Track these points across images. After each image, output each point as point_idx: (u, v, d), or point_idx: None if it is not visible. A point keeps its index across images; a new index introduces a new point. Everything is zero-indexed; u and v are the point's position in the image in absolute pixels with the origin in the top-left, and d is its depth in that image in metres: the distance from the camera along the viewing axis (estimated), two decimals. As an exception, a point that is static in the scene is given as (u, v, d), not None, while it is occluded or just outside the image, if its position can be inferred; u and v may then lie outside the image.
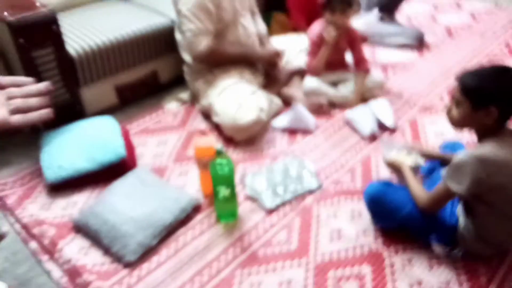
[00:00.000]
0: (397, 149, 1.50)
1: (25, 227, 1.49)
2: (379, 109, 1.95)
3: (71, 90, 1.88)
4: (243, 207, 1.54)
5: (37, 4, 1.74)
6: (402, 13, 3.01)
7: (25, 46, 1.68)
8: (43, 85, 0.67)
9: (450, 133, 1.84)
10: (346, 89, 2.08)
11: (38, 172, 1.69)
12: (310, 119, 1.93)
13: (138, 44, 2.04)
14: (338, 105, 2.06)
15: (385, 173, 1.67)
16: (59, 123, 1.81)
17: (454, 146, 1.54)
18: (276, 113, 2.01)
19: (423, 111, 2.04)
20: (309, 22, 2.55)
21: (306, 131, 1.91)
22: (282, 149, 1.82)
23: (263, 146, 1.84)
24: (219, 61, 1.96)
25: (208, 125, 1.97)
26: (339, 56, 2.13)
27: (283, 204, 1.54)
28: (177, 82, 2.23)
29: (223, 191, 1.41)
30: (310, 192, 1.59)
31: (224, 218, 1.48)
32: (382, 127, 1.91)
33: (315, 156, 1.77)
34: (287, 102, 2.07)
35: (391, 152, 1.50)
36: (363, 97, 2.06)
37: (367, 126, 1.86)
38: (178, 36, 2.04)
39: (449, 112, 1.24)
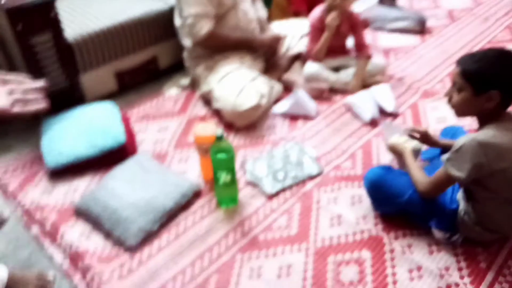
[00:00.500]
0: (399, 133, 1.50)
1: (26, 212, 1.50)
2: (381, 94, 1.93)
3: (70, 77, 1.87)
4: (244, 192, 1.54)
5: (35, -11, 1.72)
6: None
7: (23, 32, 1.67)
8: (39, 83, 0.81)
9: (451, 119, 1.83)
10: (347, 75, 2.06)
11: (39, 158, 1.69)
12: (311, 104, 1.92)
13: (138, 29, 2.02)
14: (339, 91, 2.05)
15: (385, 159, 1.66)
16: (59, 110, 1.81)
17: (455, 132, 1.52)
18: (277, 99, 1.99)
19: (424, 96, 2.03)
20: (310, 7, 2.52)
21: (307, 117, 1.90)
22: (282, 135, 1.81)
23: (263, 132, 1.83)
24: (220, 46, 1.94)
25: (208, 111, 1.96)
26: (340, 41, 2.10)
27: (284, 189, 1.54)
28: (177, 68, 2.21)
29: (224, 177, 1.41)
30: (311, 177, 1.59)
31: (224, 204, 1.49)
32: (383, 112, 1.90)
33: (316, 141, 1.77)
34: (288, 88, 2.06)
35: (393, 136, 1.49)
36: (365, 83, 2.04)
37: (368, 112, 1.85)
38: (177, 21, 2.01)
39: (450, 99, 1.23)
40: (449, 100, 1.23)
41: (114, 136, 1.65)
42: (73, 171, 1.62)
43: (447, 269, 1.26)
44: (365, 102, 1.89)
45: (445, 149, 1.44)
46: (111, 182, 1.51)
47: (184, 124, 1.91)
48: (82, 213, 1.46)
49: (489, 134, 1.14)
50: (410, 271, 1.26)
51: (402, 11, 2.67)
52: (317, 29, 2.03)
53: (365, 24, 2.42)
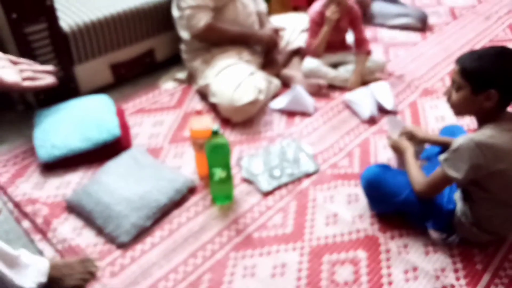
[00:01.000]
0: (402, 129, 1.48)
1: (17, 206, 1.47)
2: (380, 92, 1.91)
3: (65, 67, 1.84)
4: (239, 189, 1.52)
5: (29, -23, 1.68)
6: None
7: (17, 21, 1.63)
8: (49, 67, 0.87)
9: (451, 118, 1.81)
10: (346, 71, 2.03)
11: (31, 151, 1.66)
12: (309, 101, 1.89)
13: (134, 20, 1.99)
14: (337, 87, 2.02)
15: (383, 157, 1.65)
16: (53, 101, 1.78)
17: (454, 131, 1.51)
18: (275, 95, 1.97)
19: (424, 95, 2.01)
20: (309, 1, 2.49)
21: (304, 113, 1.88)
22: (279, 131, 1.79)
23: (260, 128, 1.81)
24: (218, 39, 1.91)
25: (205, 105, 1.94)
26: (340, 36, 2.08)
27: (280, 187, 1.52)
28: (174, 61, 2.18)
29: (219, 173, 1.39)
30: (307, 175, 1.57)
31: (219, 200, 1.47)
32: (382, 110, 1.88)
33: (313, 139, 1.75)
34: (286, 84, 2.03)
35: (397, 132, 1.48)
36: (364, 80, 2.02)
37: (367, 109, 1.82)
38: (175, 13, 1.98)
39: (449, 98, 1.21)
40: (448, 99, 1.22)
41: (108, 129, 1.62)
42: (66, 164, 1.59)
43: (443, 270, 1.25)
44: (364, 99, 1.86)
45: (440, 145, 1.44)
46: (104, 176, 1.48)
47: (180, 118, 1.88)
48: (74, 208, 1.43)
49: (487, 134, 1.12)
50: (406, 271, 1.25)
51: (404, 7, 2.64)
52: (317, 24, 2.00)
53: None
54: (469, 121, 1.78)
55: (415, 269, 1.25)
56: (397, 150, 1.45)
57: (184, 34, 1.96)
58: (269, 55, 2.07)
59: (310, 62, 2.01)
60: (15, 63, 0.85)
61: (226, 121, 1.82)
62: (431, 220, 1.29)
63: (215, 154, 1.37)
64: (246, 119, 1.81)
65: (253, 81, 1.80)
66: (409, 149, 1.37)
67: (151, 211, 1.38)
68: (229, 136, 1.77)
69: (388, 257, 1.29)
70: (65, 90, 1.86)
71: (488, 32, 2.54)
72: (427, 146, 1.51)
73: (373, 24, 2.60)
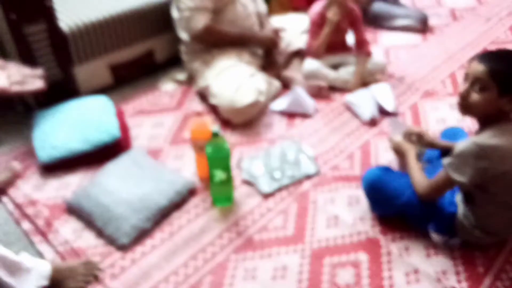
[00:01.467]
0: (408, 129, 1.47)
1: (17, 207, 1.46)
2: (380, 93, 1.91)
3: (64, 68, 1.84)
4: (240, 191, 1.52)
5: (29, -23, 1.68)
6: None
7: (17, 22, 1.63)
8: (38, 71, 0.92)
9: (451, 120, 1.81)
10: (347, 72, 2.03)
11: (31, 152, 1.65)
12: (309, 102, 1.89)
13: (134, 21, 1.99)
14: (338, 89, 2.02)
15: (384, 159, 1.64)
16: (52, 102, 1.78)
17: (456, 133, 1.50)
18: (275, 96, 1.97)
19: (425, 96, 2.00)
20: (309, 1, 2.48)
21: (305, 115, 1.87)
22: (280, 133, 1.79)
23: (260, 130, 1.81)
24: (217, 40, 1.91)
25: (205, 107, 1.93)
26: (340, 37, 2.07)
27: (280, 189, 1.52)
28: (174, 62, 2.17)
29: (219, 175, 1.38)
30: (308, 177, 1.56)
31: (219, 202, 1.46)
32: (383, 112, 1.87)
33: (314, 140, 1.74)
34: (286, 85, 2.03)
35: (398, 134, 1.47)
36: (364, 81, 2.02)
37: (368, 111, 1.82)
38: (175, 14, 1.98)
39: (466, 98, 1.14)
40: (464, 99, 1.15)
41: (108, 130, 1.62)
42: (65, 166, 1.59)
43: (444, 273, 1.24)
44: (364, 101, 1.86)
45: (444, 150, 1.43)
46: (104, 178, 1.48)
47: (180, 120, 1.87)
48: (74, 209, 1.43)
49: (490, 137, 1.12)
50: (407, 274, 1.24)
51: (405, 9, 2.64)
52: (317, 25, 2.00)
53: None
54: (470, 123, 1.77)
55: (416, 271, 1.25)
56: (399, 152, 1.44)
57: (184, 35, 1.96)
58: (270, 56, 2.07)
59: (310, 64, 2.01)
60: (2, 68, 0.84)
61: (226, 123, 1.82)
62: (432, 223, 1.29)
63: (215, 156, 1.36)
64: (246, 120, 1.81)
65: (253, 82, 1.80)
66: (410, 151, 1.36)
67: (151, 213, 1.38)
68: (229, 137, 1.76)
69: (389, 259, 1.28)
70: (64, 91, 1.86)
71: (489, 33, 2.53)
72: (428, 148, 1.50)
73: (373, 26, 2.59)
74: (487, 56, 1.14)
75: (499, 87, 1.10)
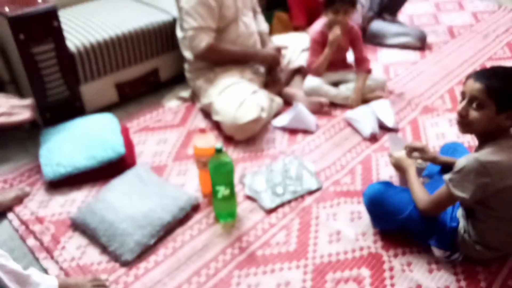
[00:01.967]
0: (404, 147, 1.49)
1: (23, 223, 1.48)
2: (380, 109, 1.94)
3: (71, 87, 1.87)
4: (242, 207, 1.53)
5: (38, 0, 1.73)
6: (404, 13, 2.99)
7: (25, 42, 1.67)
8: (26, 101, 0.89)
9: (451, 135, 1.83)
10: (347, 89, 2.06)
11: (37, 169, 1.68)
12: (311, 119, 1.92)
13: (139, 41, 2.03)
14: (339, 105, 2.05)
15: (385, 174, 1.66)
16: (59, 120, 1.81)
17: (455, 148, 1.52)
18: (277, 113, 2.00)
19: (424, 112, 2.03)
20: (310, 21, 2.54)
21: (306, 131, 1.90)
22: (282, 149, 1.81)
23: (263, 146, 1.83)
24: (220, 59, 1.95)
25: (208, 123, 1.96)
26: (340, 55, 2.12)
27: (283, 204, 1.53)
28: (178, 80, 2.22)
29: (222, 191, 1.40)
30: (310, 193, 1.58)
31: (223, 218, 1.48)
32: (383, 128, 1.90)
33: (316, 156, 1.76)
34: (288, 102, 2.06)
35: (398, 150, 1.49)
36: (365, 98, 2.05)
37: (368, 127, 1.85)
38: (179, 33, 2.03)
39: (465, 116, 1.16)
40: (463, 117, 1.17)
41: (113, 147, 1.64)
42: (71, 182, 1.61)
43: (447, 288, 1.25)
44: (365, 117, 1.89)
45: (444, 166, 1.44)
46: (108, 194, 1.49)
47: (183, 136, 1.90)
48: (78, 226, 1.44)
49: (491, 152, 1.13)
50: (410, 290, 1.24)
51: (403, 27, 2.69)
52: (318, 43, 2.05)
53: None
54: (469, 138, 1.79)
55: (419, 287, 1.25)
56: (399, 168, 1.46)
57: (188, 54, 2.00)
58: (272, 73, 2.11)
59: (311, 81, 2.04)
60: None
61: (229, 139, 1.84)
62: (434, 238, 1.29)
63: (218, 172, 1.38)
64: (249, 137, 1.83)
65: (255, 99, 1.83)
66: (411, 167, 1.37)
67: (154, 229, 1.39)
68: (232, 153, 1.79)
69: (392, 275, 1.28)
70: (71, 109, 1.89)
71: (486, 50, 2.58)
72: (429, 163, 1.52)
73: (373, 43, 2.64)
74: (483, 74, 1.15)
75: (496, 104, 1.12)
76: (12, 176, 1.68)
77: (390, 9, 2.76)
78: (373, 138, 1.85)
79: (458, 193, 1.15)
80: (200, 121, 1.99)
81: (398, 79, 2.30)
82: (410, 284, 1.26)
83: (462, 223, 1.27)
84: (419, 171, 1.44)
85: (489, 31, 2.80)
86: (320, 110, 2.01)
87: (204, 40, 1.85)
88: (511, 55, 2.53)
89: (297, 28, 2.54)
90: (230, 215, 1.48)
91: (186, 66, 2.08)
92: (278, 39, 2.27)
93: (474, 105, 1.15)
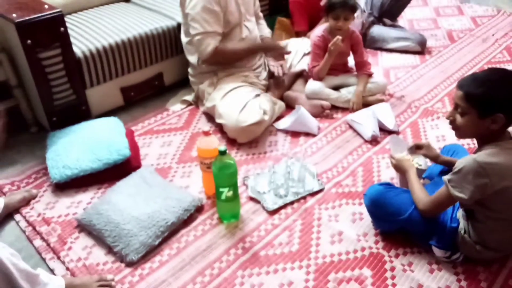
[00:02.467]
0: (405, 148, 1.51)
1: (30, 224, 1.50)
2: (381, 112, 1.96)
3: (77, 91, 1.90)
4: (246, 208, 1.55)
5: (45, 6, 1.77)
6: (404, 18, 3.03)
7: (32, 47, 1.70)
8: None
9: (451, 137, 1.85)
10: (349, 93, 2.09)
11: (44, 171, 1.71)
12: (312, 122, 1.94)
13: (144, 46, 2.07)
14: (340, 108, 2.08)
15: (386, 176, 1.68)
16: (65, 124, 1.84)
17: (455, 150, 1.54)
18: (279, 116, 2.02)
19: (424, 115, 2.05)
20: (311, 26, 2.58)
21: (308, 134, 1.93)
22: (284, 151, 1.84)
23: (265, 148, 1.85)
24: (228, 60, 1.98)
25: (211, 126, 1.99)
26: (341, 60, 2.14)
27: (285, 206, 1.55)
28: (182, 84, 2.25)
29: (226, 192, 1.42)
30: (312, 194, 1.60)
31: (226, 219, 1.50)
32: (384, 130, 1.92)
33: (317, 158, 1.79)
34: (290, 105, 2.09)
35: (399, 152, 1.51)
36: (365, 101, 2.08)
37: (369, 129, 1.87)
38: (184, 38, 2.06)
39: (453, 122, 1.22)
40: (452, 123, 1.23)
41: (118, 150, 1.67)
42: (77, 184, 1.64)
43: (447, 288, 1.26)
44: (366, 120, 1.91)
45: (446, 165, 1.45)
46: (114, 196, 1.52)
47: (187, 139, 1.93)
48: (84, 227, 1.47)
49: (489, 154, 1.15)
50: (411, 289, 1.26)
51: (403, 31, 2.72)
52: (319, 47, 2.08)
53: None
54: (469, 140, 1.81)
55: (420, 286, 1.26)
56: (400, 169, 1.48)
57: (192, 59, 2.04)
58: (274, 77, 2.14)
59: (313, 84, 2.07)
60: None
61: (232, 142, 1.87)
62: (435, 238, 1.31)
63: (222, 174, 1.40)
64: (251, 139, 1.86)
65: (258, 102, 1.86)
66: (411, 168, 1.39)
67: (159, 229, 1.41)
68: (235, 156, 1.81)
69: (393, 275, 1.30)
70: (77, 112, 1.92)
71: (485, 54, 2.61)
72: (429, 164, 1.54)
73: (373, 48, 2.68)
74: (464, 81, 1.19)
75: (477, 111, 1.15)
76: (19, 179, 1.71)
77: (390, 14, 2.80)
78: (374, 141, 1.87)
79: (457, 193, 1.16)
80: (203, 124, 2.02)
81: (398, 82, 2.33)
82: (411, 284, 1.27)
83: (462, 224, 1.28)
84: (420, 173, 1.46)
85: (488, 35, 2.83)
86: (321, 113, 2.04)
87: (211, 45, 1.88)
88: (510, 59, 2.55)
89: (298, 33, 2.57)
90: (233, 216, 1.50)
91: (190, 70, 2.11)
92: (281, 44, 2.29)
93: (459, 111, 1.19)
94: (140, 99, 2.18)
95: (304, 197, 1.59)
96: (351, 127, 1.97)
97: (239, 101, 1.85)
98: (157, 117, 2.08)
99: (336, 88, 2.12)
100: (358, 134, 1.92)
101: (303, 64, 2.20)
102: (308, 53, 2.20)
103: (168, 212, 1.45)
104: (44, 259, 1.39)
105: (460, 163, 1.16)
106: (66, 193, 1.63)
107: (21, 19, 1.65)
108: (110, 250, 1.39)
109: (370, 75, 2.12)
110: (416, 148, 1.48)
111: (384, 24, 2.76)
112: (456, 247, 1.30)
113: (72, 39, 1.85)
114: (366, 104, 2.06)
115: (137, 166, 1.73)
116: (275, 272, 1.32)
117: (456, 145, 1.61)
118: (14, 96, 1.93)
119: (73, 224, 1.50)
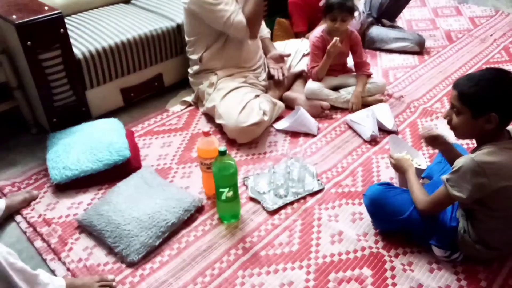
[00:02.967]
0: (405, 148, 1.51)
1: (31, 225, 1.51)
2: (380, 112, 1.97)
3: (77, 92, 1.91)
4: (246, 208, 1.56)
5: (45, 7, 1.77)
6: (403, 18, 3.04)
7: (32, 48, 1.70)
8: None
9: (450, 137, 1.85)
10: (348, 93, 2.10)
11: (44, 172, 1.71)
12: (312, 122, 1.95)
13: (144, 47, 2.07)
14: (339, 109, 2.09)
15: (385, 176, 1.68)
16: (65, 125, 1.84)
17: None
18: (279, 116, 2.03)
19: (423, 115, 2.06)
20: (310, 27, 2.59)
21: (308, 134, 1.93)
22: (284, 151, 1.84)
23: (265, 149, 1.86)
24: (260, 21, 1.97)
25: (211, 127, 2.00)
26: (341, 60, 2.15)
27: (285, 206, 1.56)
28: (182, 84, 2.26)
29: (226, 193, 1.43)
30: (312, 194, 1.61)
31: (226, 219, 1.50)
32: (383, 130, 1.93)
33: (317, 158, 1.79)
34: (289, 105, 2.10)
35: (398, 151, 1.51)
36: (365, 101, 2.08)
37: (368, 129, 1.88)
38: (187, 38, 2.05)
39: (450, 122, 1.24)
40: (449, 122, 1.24)
41: (118, 151, 1.67)
42: (77, 185, 1.64)
43: (447, 287, 1.26)
44: (365, 120, 1.92)
45: (453, 160, 1.44)
46: (114, 196, 1.52)
47: (187, 139, 1.94)
48: (85, 227, 1.47)
49: (487, 153, 1.16)
50: (411, 289, 1.27)
51: (402, 32, 2.73)
52: (318, 48, 2.08)
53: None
54: (468, 140, 1.82)
55: (420, 286, 1.27)
56: (399, 169, 1.48)
57: (193, 57, 2.04)
58: (273, 78, 2.14)
59: (312, 85, 2.08)
60: None
61: (232, 142, 1.88)
62: (435, 238, 1.31)
63: (222, 174, 1.41)
64: (251, 139, 1.86)
65: (258, 103, 1.87)
66: (411, 168, 1.40)
67: (160, 230, 1.42)
68: (235, 156, 1.82)
69: (393, 274, 1.31)
70: (77, 114, 1.92)
71: (484, 54, 2.62)
72: (428, 164, 1.54)
73: (372, 48, 2.69)
74: (459, 81, 1.20)
75: (471, 110, 1.16)
76: (19, 180, 1.72)
77: (389, 15, 2.81)
78: (373, 141, 1.88)
79: (456, 193, 1.17)
80: (203, 125, 2.02)
81: (397, 83, 2.34)
82: (411, 284, 1.28)
83: (462, 223, 1.29)
84: (419, 172, 1.46)
85: (487, 35, 2.84)
86: (321, 113, 2.04)
87: (243, 21, 1.86)
88: (508, 59, 2.56)
89: (298, 34, 2.58)
90: (233, 217, 1.50)
91: (189, 71, 2.12)
92: (280, 45, 2.31)
93: (454, 110, 1.21)
94: (140, 100, 2.18)
95: (304, 197, 1.59)
96: (350, 127, 1.97)
97: (239, 102, 1.85)
98: (157, 118, 2.08)
99: (335, 88, 2.13)
100: (358, 134, 1.93)
101: (302, 64, 2.21)
102: (307, 54, 2.21)
103: (168, 213, 1.46)
104: (45, 260, 1.39)
105: (458, 162, 1.17)
106: (66, 194, 1.63)
107: (21, 21, 1.66)
108: (110, 250, 1.40)
109: (369, 76, 2.12)
110: (424, 137, 1.44)
111: (383, 25, 2.77)
112: (456, 247, 1.30)
113: (72, 40, 1.85)
114: (365, 105, 2.07)
115: (137, 167, 1.74)
116: (276, 272, 1.33)
117: (456, 144, 1.61)
118: (14, 98, 1.93)
119: (73, 225, 1.50)
